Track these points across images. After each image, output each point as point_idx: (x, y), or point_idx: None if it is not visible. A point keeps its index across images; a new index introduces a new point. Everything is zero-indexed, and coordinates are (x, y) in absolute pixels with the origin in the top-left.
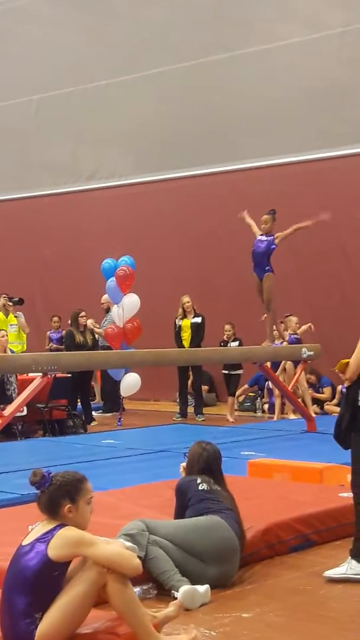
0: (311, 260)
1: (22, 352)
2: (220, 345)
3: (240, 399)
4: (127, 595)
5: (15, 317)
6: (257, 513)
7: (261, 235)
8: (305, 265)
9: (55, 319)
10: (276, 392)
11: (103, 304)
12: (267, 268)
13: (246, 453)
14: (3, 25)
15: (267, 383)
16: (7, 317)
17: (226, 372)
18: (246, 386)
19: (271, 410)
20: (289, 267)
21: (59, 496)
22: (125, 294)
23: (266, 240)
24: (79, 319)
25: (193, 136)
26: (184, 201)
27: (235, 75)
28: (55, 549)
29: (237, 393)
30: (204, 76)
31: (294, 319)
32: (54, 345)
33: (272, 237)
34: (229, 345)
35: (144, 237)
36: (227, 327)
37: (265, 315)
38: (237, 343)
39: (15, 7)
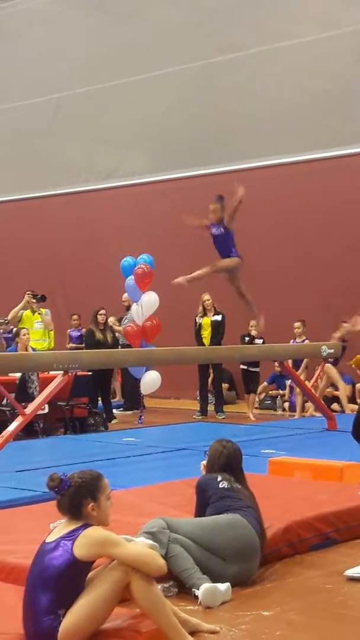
0: (327, 259)
1: (49, 349)
2: (244, 340)
3: (261, 396)
4: (152, 594)
5: (39, 314)
6: (278, 511)
7: (213, 226)
8: (321, 264)
9: (75, 317)
10: (297, 389)
11: (124, 302)
12: (231, 255)
13: (267, 451)
14: (19, 28)
15: (288, 381)
16: (33, 314)
17: (245, 367)
18: (265, 384)
19: (292, 408)
20: (304, 267)
21: (81, 496)
22: (144, 292)
23: (220, 230)
24: (99, 316)
25: (207, 135)
26: (200, 199)
27: (247, 75)
28: (81, 549)
29: (258, 391)
30: (217, 75)
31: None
32: (72, 345)
33: (222, 225)
34: (254, 341)
35: (163, 235)
36: (252, 322)
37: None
38: (261, 341)
39: (29, 9)
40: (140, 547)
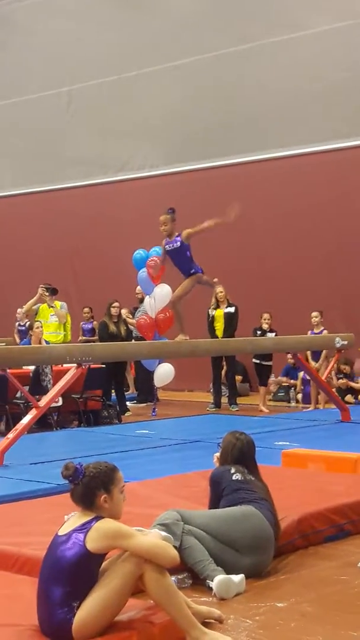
0: (340, 248)
1: (64, 342)
2: (256, 334)
3: (274, 388)
4: (165, 585)
5: (52, 307)
6: (292, 503)
7: (166, 242)
8: (335, 254)
9: (86, 309)
10: (312, 381)
11: (137, 294)
12: (192, 271)
13: (280, 443)
14: (31, 19)
15: (301, 373)
16: (49, 308)
17: (257, 361)
18: (281, 377)
19: (305, 400)
20: (317, 256)
21: (94, 487)
22: (156, 285)
23: (175, 245)
24: (112, 309)
25: (222, 126)
26: (214, 191)
27: (261, 66)
28: (93, 541)
29: (271, 381)
30: (232, 66)
31: None
32: (84, 337)
33: (178, 239)
34: (266, 335)
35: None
36: (265, 315)
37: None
38: (273, 334)
39: (42, 1)
40: (152, 538)
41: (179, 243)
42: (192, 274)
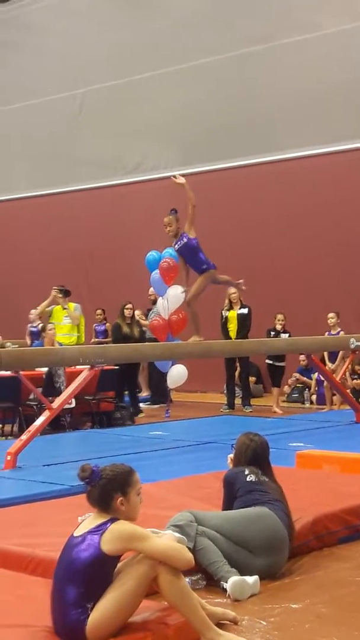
0: (353, 248)
1: (78, 344)
2: (270, 335)
3: (285, 390)
4: (180, 587)
5: (65, 309)
6: (306, 504)
7: (174, 243)
8: (348, 254)
9: (99, 311)
10: (326, 382)
11: (150, 295)
12: (203, 267)
13: (294, 444)
14: (44, 22)
15: (315, 374)
16: (63, 309)
17: (270, 362)
18: (294, 378)
19: (319, 401)
20: (330, 256)
21: (111, 490)
22: (169, 286)
23: (181, 243)
24: (125, 310)
25: (235, 127)
26: (227, 192)
27: (275, 66)
28: (108, 543)
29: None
30: (245, 67)
31: None
32: (97, 339)
33: (184, 236)
34: (280, 335)
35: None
36: (279, 316)
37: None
38: (287, 335)
39: (56, 2)
40: (167, 541)
41: (185, 239)
42: (204, 270)
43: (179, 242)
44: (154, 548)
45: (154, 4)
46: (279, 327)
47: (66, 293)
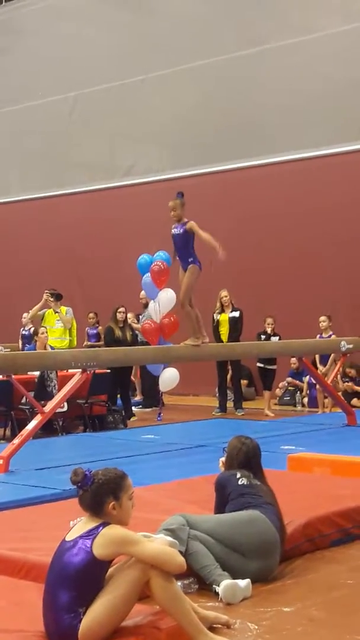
0: (346, 252)
1: (70, 348)
2: (260, 338)
3: (278, 392)
4: (172, 591)
5: (56, 312)
6: (298, 507)
7: (174, 226)
8: (341, 257)
9: (92, 315)
10: (318, 385)
11: (141, 299)
12: (190, 260)
13: (286, 447)
14: (38, 24)
15: (306, 377)
16: (55, 313)
17: (261, 366)
18: (285, 383)
19: (311, 404)
20: (323, 259)
21: (103, 494)
22: (160, 289)
23: (180, 230)
24: (118, 314)
25: (229, 130)
26: (220, 196)
27: (271, 68)
28: (100, 548)
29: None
30: (239, 69)
31: None
32: (89, 343)
33: (182, 227)
34: (270, 339)
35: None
36: (269, 320)
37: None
38: (277, 338)
39: (49, 5)
40: (159, 545)
41: (182, 230)
42: (189, 263)
43: (177, 228)
44: (145, 552)
45: (147, 7)
46: (269, 330)
47: (58, 297)
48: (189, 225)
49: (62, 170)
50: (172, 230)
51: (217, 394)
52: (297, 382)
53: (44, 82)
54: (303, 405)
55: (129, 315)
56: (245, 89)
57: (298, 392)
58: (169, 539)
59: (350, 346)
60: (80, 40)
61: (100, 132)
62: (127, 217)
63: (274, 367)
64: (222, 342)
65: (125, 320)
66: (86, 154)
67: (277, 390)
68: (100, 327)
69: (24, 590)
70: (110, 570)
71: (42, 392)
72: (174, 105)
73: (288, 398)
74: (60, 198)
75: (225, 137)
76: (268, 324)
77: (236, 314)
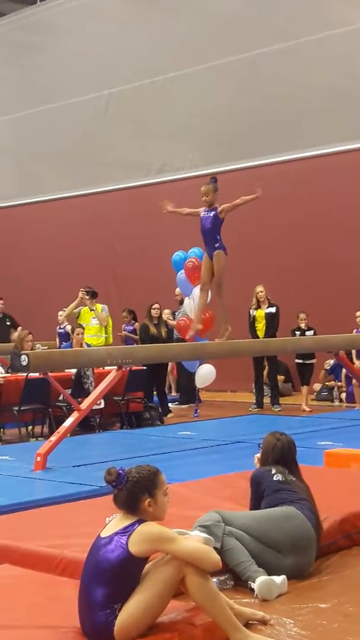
0: None
1: (106, 345)
2: (295, 334)
3: (317, 387)
4: (208, 589)
5: (92, 310)
6: (334, 503)
7: (204, 210)
8: None
9: (125, 313)
10: (355, 380)
11: (177, 296)
12: (216, 245)
13: (323, 443)
14: (70, 23)
15: (344, 372)
16: (91, 311)
17: (300, 361)
18: (324, 374)
19: (349, 399)
20: (358, 256)
21: (138, 492)
22: (195, 286)
23: (210, 214)
24: (152, 311)
25: (260, 126)
26: (252, 191)
27: (299, 63)
28: (136, 545)
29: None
30: (268, 65)
31: None
32: (124, 333)
33: (216, 210)
34: (305, 334)
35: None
36: (301, 315)
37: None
38: (312, 332)
39: (80, 5)
40: (195, 543)
41: (212, 214)
42: (216, 249)
43: (208, 212)
44: (181, 550)
45: (178, 5)
46: (302, 325)
47: (93, 294)
48: (220, 208)
49: (96, 168)
50: (202, 214)
51: (254, 390)
52: (335, 381)
53: (77, 80)
54: (341, 401)
55: (166, 311)
56: (275, 84)
57: (335, 387)
58: (204, 535)
59: None
60: (111, 39)
61: (132, 130)
62: (160, 214)
63: (313, 361)
64: (259, 337)
65: (160, 317)
66: (119, 152)
67: (315, 385)
68: (136, 324)
69: (60, 586)
70: (146, 567)
71: (79, 389)
72: (207, 101)
73: (325, 393)
74: (94, 196)
75: (256, 132)
76: (301, 320)
77: (273, 309)
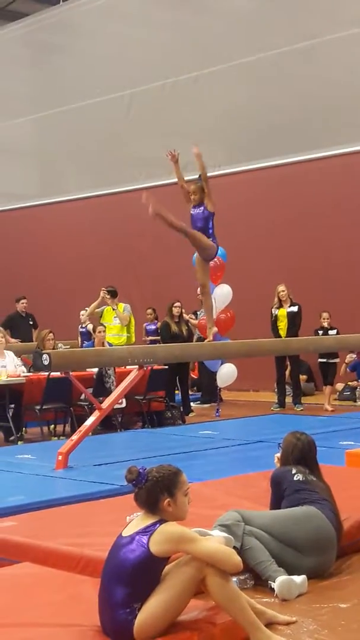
0: None
1: (128, 344)
2: (318, 334)
3: (339, 387)
4: (228, 589)
5: (114, 309)
6: (355, 503)
7: (193, 207)
8: None
9: (149, 310)
10: None
11: (198, 295)
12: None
13: (345, 443)
14: (92, 23)
15: None
16: (112, 310)
17: (323, 360)
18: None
19: None
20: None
21: (157, 491)
22: (216, 285)
23: (199, 210)
24: (174, 309)
25: (283, 124)
26: (276, 190)
27: (324, 62)
28: (157, 545)
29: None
30: (292, 64)
31: None
32: (148, 338)
33: (203, 207)
34: (328, 333)
35: (236, 226)
36: (324, 314)
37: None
38: (334, 332)
39: (102, 5)
40: (216, 544)
41: (201, 208)
42: None
43: (197, 208)
44: (202, 550)
45: (199, 4)
46: (325, 324)
47: (114, 294)
48: (206, 202)
49: (118, 168)
50: (191, 212)
51: (276, 389)
52: (357, 381)
53: (99, 80)
54: None
55: (188, 316)
56: (298, 83)
57: (358, 387)
58: (225, 535)
59: None
60: (134, 39)
61: (155, 130)
62: (182, 213)
63: (336, 360)
64: (281, 337)
65: (180, 315)
66: (141, 152)
67: (338, 384)
68: (159, 323)
69: (80, 584)
70: (167, 567)
71: (101, 388)
72: (230, 100)
73: (348, 393)
74: (116, 196)
75: (281, 132)
76: (324, 319)
77: (295, 308)
